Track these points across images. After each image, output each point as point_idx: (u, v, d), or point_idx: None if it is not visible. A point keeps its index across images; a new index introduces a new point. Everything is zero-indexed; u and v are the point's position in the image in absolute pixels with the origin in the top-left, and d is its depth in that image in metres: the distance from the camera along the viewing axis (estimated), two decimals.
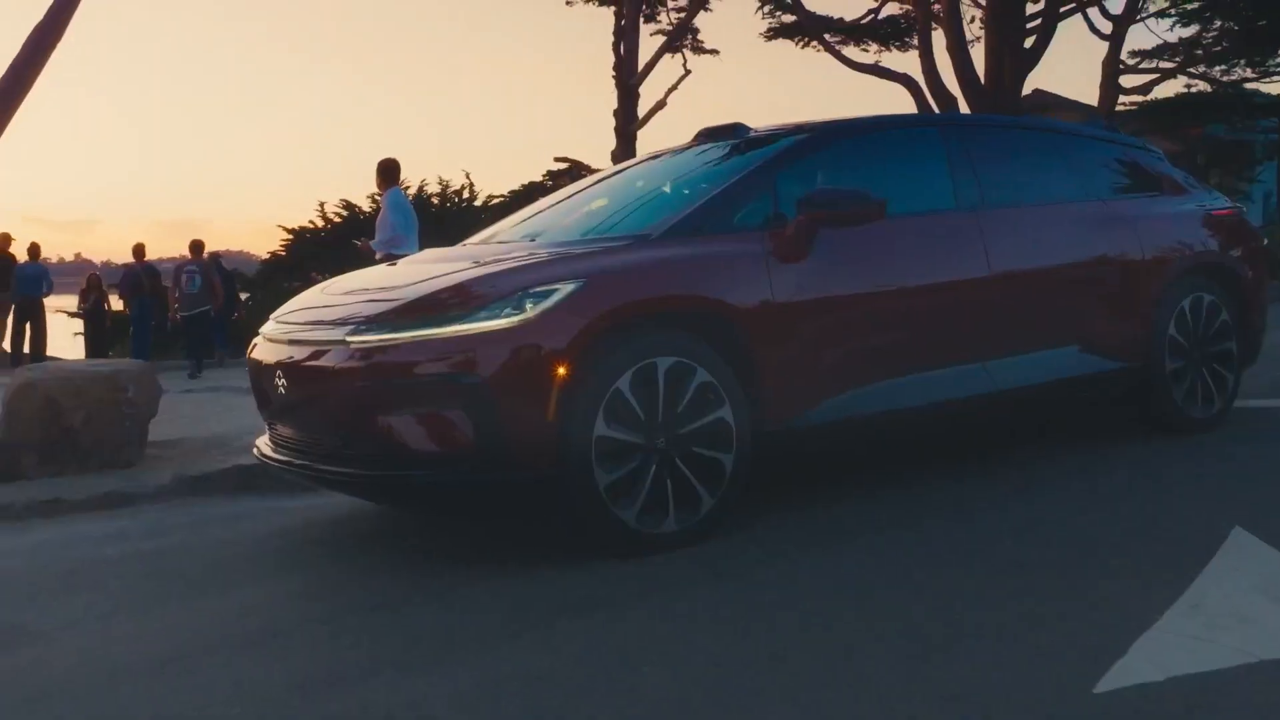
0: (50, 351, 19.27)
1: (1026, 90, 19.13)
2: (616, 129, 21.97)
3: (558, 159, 29.28)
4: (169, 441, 7.04)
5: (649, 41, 23.32)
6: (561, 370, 3.85)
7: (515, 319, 3.86)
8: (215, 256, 19.83)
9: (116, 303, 19.93)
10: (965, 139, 5.31)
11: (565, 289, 3.94)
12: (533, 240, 4.83)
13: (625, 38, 21.75)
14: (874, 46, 22.71)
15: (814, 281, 4.52)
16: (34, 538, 5.12)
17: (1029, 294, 5.24)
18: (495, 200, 34.06)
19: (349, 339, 4.01)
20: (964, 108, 17.78)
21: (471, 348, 3.84)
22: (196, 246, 17.29)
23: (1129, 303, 5.54)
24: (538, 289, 3.93)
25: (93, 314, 20.16)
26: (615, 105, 21.98)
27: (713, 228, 4.42)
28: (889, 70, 19.16)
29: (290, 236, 75.87)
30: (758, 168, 4.69)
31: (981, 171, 5.23)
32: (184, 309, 16.00)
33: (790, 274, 4.44)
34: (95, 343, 20.17)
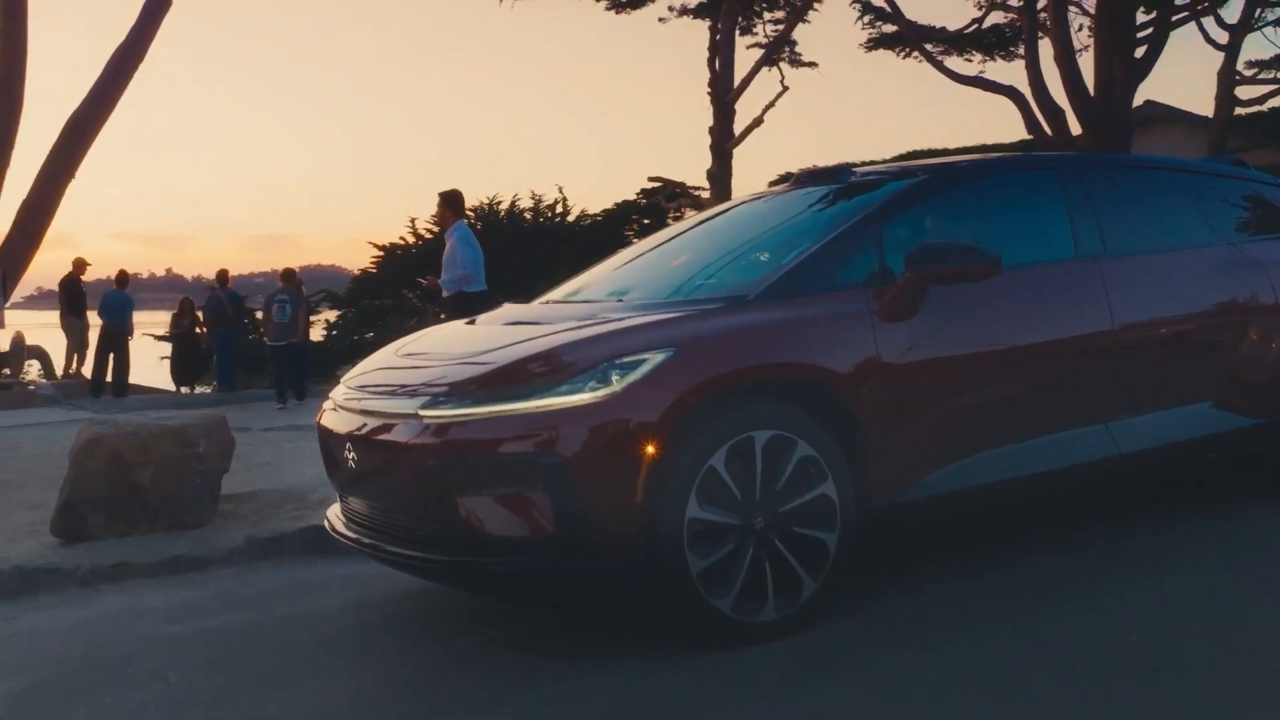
0: (134, 378, 19.50)
1: (1137, 101, 18.46)
2: (712, 146, 21.62)
3: (651, 179, 28.96)
4: (243, 495, 6.85)
5: (745, 55, 22.95)
6: (650, 448, 3.53)
7: (600, 393, 3.55)
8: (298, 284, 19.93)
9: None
10: (1084, 181, 4.90)
11: (654, 359, 3.62)
12: (619, 300, 4.51)
13: (721, 53, 21.41)
14: (977, 56, 22.12)
15: (923, 342, 4.15)
16: (98, 609, 4.92)
17: (1155, 347, 4.82)
18: (589, 218, 34.02)
19: (422, 413, 3.73)
20: (1072, 120, 17.20)
21: (553, 425, 3.53)
22: (288, 275, 17.40)
23: (1265, 354, 5.07)
24: (624, 359, 3.62)
25: (183, 339, 20.34)
26: (711, 122, 21.63)
27: (813, 287, 4.07)
28: (993, 82, 18.61)
29: (381, 253, 76.49)
30: (862, 219, 4.33)
31: (1103, 216, 4.82)
32: (274, 338, 16.02)
33: (897, 334, 4.08)
34: (184, 370, 20.35)
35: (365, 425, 4.00)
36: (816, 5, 21.85)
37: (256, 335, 24.25)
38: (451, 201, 9.96)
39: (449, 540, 3.69)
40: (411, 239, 76.10)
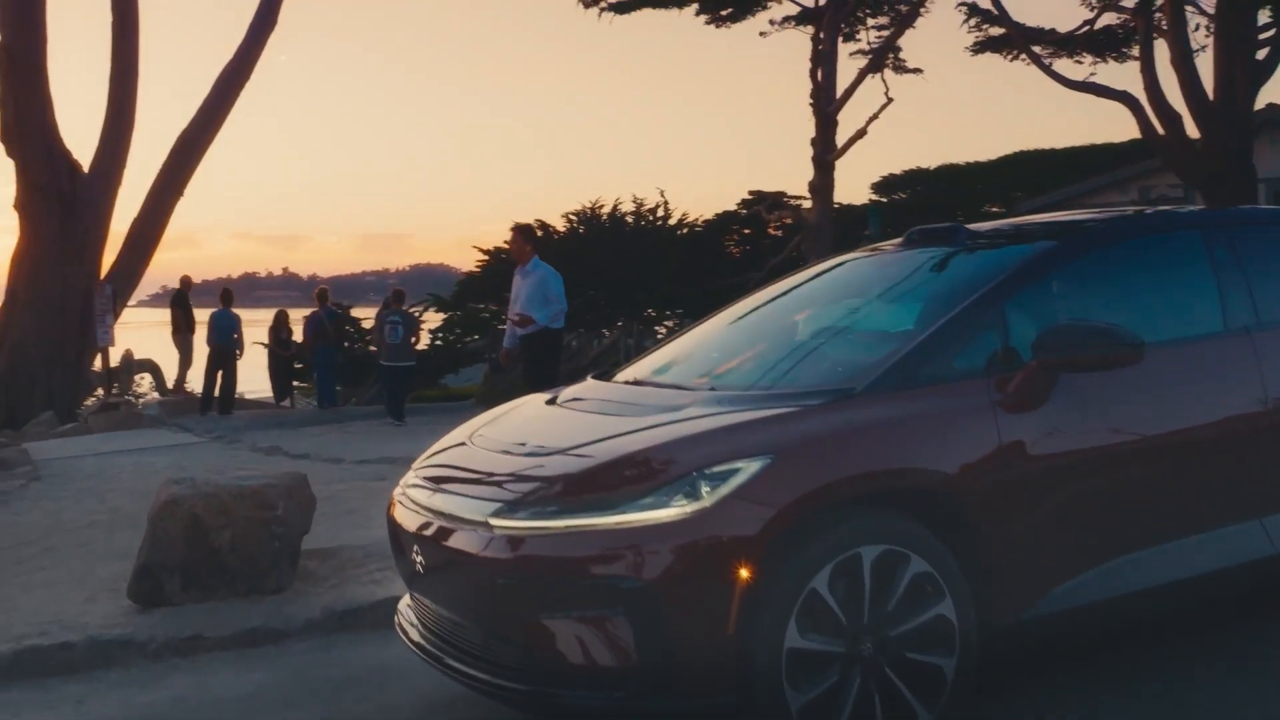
0: (251, 385, 19.68)
1: (1258, 105, 17.45)
2: (814, 158, 21.09)
3: (751, 193, 28.43)
4: (325, 551, 6.63)
5: (847, 64, 22.34)
6: (744, 571, 3.15)
7: (688, 509, 3.18)
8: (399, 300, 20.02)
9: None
10: (1234, 242, 4.36)
11: (750, 468, 3.23)
12: (711, 385, 4.09)
13: (823, 64, 20.85)
14: (1089, 58, 21.16)
15: (1053, 436, 3.68)
16: (166, 691, 4.72)
17: None
18: (691, 223, 33.62)
19: (492, 521, 3.39)
20: (1190, 126, 16.34)
21: (635, 543, 3.17)
22: (398, 296, 17.69)
23: None
24: (715, 468, 3.24)
25: (278, 353, 20.51)
26: (813, 134, 21.11)
27: (928, 376, 3.64)
28: (1106, 88, 17.71)
29: (485, 257, 77.05)
30: (983, 295, 3.86)
31: (1255, 282, 4.28)
32: (386, 359, 16.23)
33: (1023, 428, 3.62)
34: (280, 383, 20.52)
35: (431, 525, 3.69)
36: (924, 10, 21.09)
37: (360, 344, 24.47)
38: (531, 235, 9.75)
39: (519, 665, 3.35)
40: None
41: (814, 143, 21.46)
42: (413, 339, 17.34)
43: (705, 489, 3.20)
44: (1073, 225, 4.56)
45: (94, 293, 17.60)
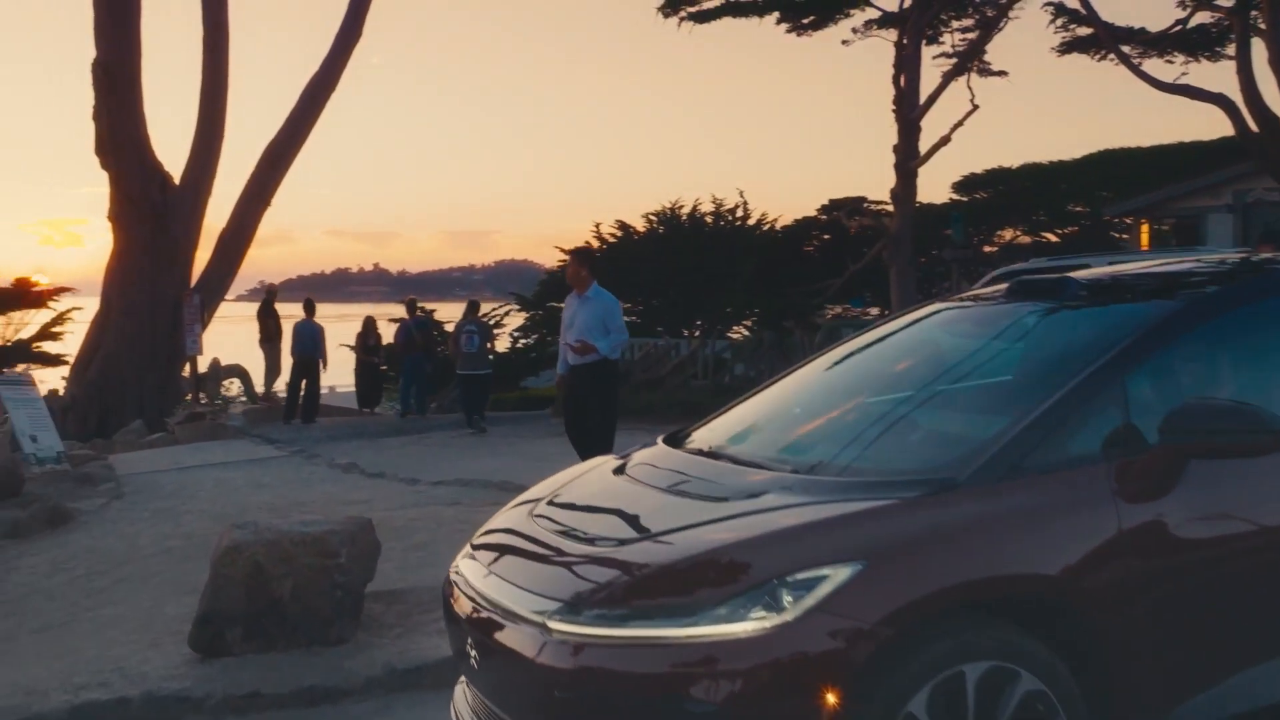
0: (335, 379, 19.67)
1: None
2: (896, 165, 20.52)
3: (832, 200, 27.90)
4: (392, 593, 6.42)
5: (930, 66, 21.72)
6: (831, 696, 2.79)
7: (768, 623, 2.83)
8: (476, 311, 20.03)
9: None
10: None
11: (838, 576, 2.88)
12: (792, 466, 3.71)
13: (905, 69, 20.28)
14: (1180, 58, 20.27)
15: (1182, 530, 3.26)
16: None
17: None
18: (768, 224, 33.11)
19: (551, 624, 3.07)
20: None
21: (708, 661, 2.83)
22: (473, 306, 17.87)
23: None
24: (799, 575, 2.88)
25: (366, 362, 20.57)
26: (895, 140, 20.55)
27: (1039, 463, 3.23)
28: (1200, 90, 16.95)
29: (566, 257, 76.76)
30: (1101, 366, 3.43)
31: None
32: (462, 368, 16.62)
33: (1148, 522, 3.21)
34: (366, 392, 20.58)
35: (485, 614, 3.38)
36: (1014, 13, 20.40)
37: (443, 348, 24.49)
38: (589, 259, 9.32)
39: None
40: (596, 243, 76.36)
41: (896, 149, 20.89)
42: (488, 347, 17.63)
43: (787, 599, 2.85)
44: (1201, 279, 4.10)
45: (183, 303, 17.81)
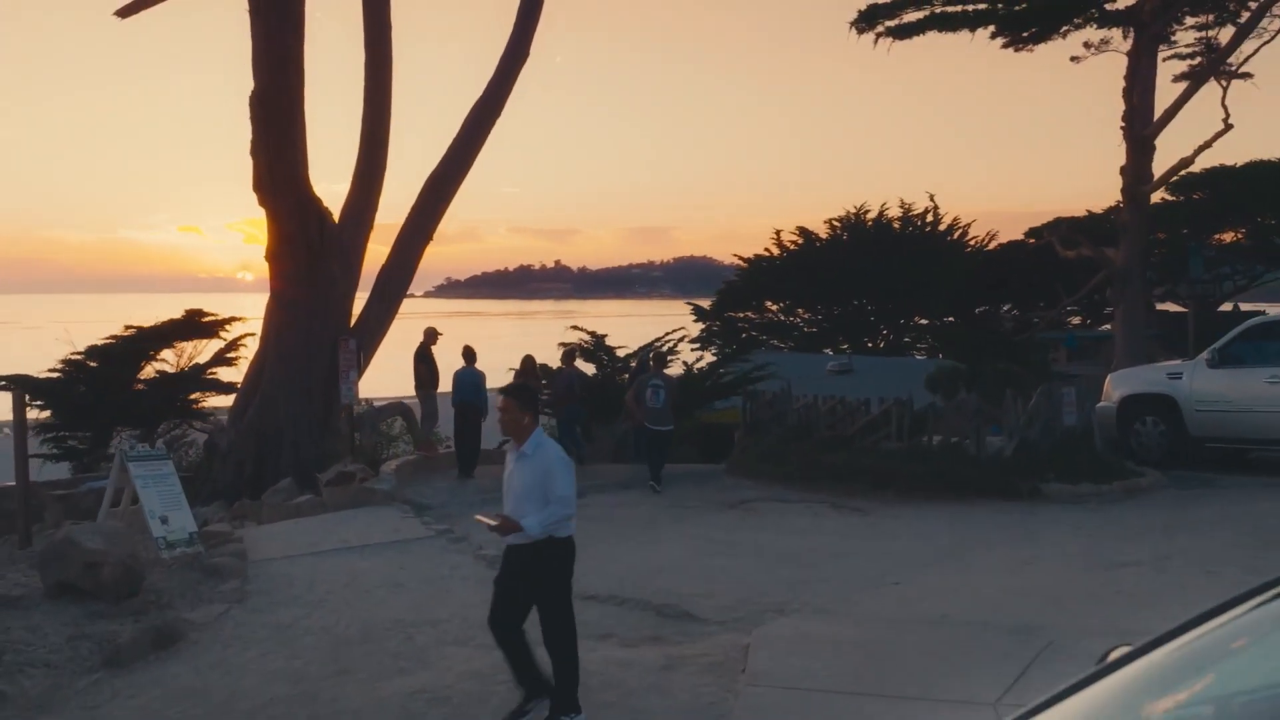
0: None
1: None
2: (1124, 190, 18.03)
3: (1047, 224, 25.41)
4: None
5: (1166, 68, 19.07)
6: None
7: None
8: (644, 359, 18.73)
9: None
10: None
11: None
12: None
13: (1139, 81, 17.77)
14: None
15: None
16: None
17: None
18: (970, 239, 30.62)
19: None
20: None
21: None
22: (659, 358, 16.76)
23: None
24: None
25: None
26: (1124, 161, 18.05)
27: None
28: None
29: (745, 265, 75.25)
30: None
31: None
32: (651, 422, 15.80)
33: None
34: None
35: None
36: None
37: (616, 372, 23.27)
38: (531, 402, 6.83)
39: None
40: (776, 250, 73.70)
41: (1124, 171, 18.37)
42: (676, 404, 16.52)
43: None
44: None
45: (338, 348, 16.93)
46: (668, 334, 32.17)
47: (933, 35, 19.95)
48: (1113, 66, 17.67)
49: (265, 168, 16.55)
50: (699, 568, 11.01)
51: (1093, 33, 18.69)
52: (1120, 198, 18.01)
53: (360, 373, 17.70)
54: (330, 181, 18.76)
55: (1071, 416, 15.02)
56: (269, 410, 17.42)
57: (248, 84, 16.70)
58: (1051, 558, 10.88)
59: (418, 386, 17.66)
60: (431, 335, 17.75)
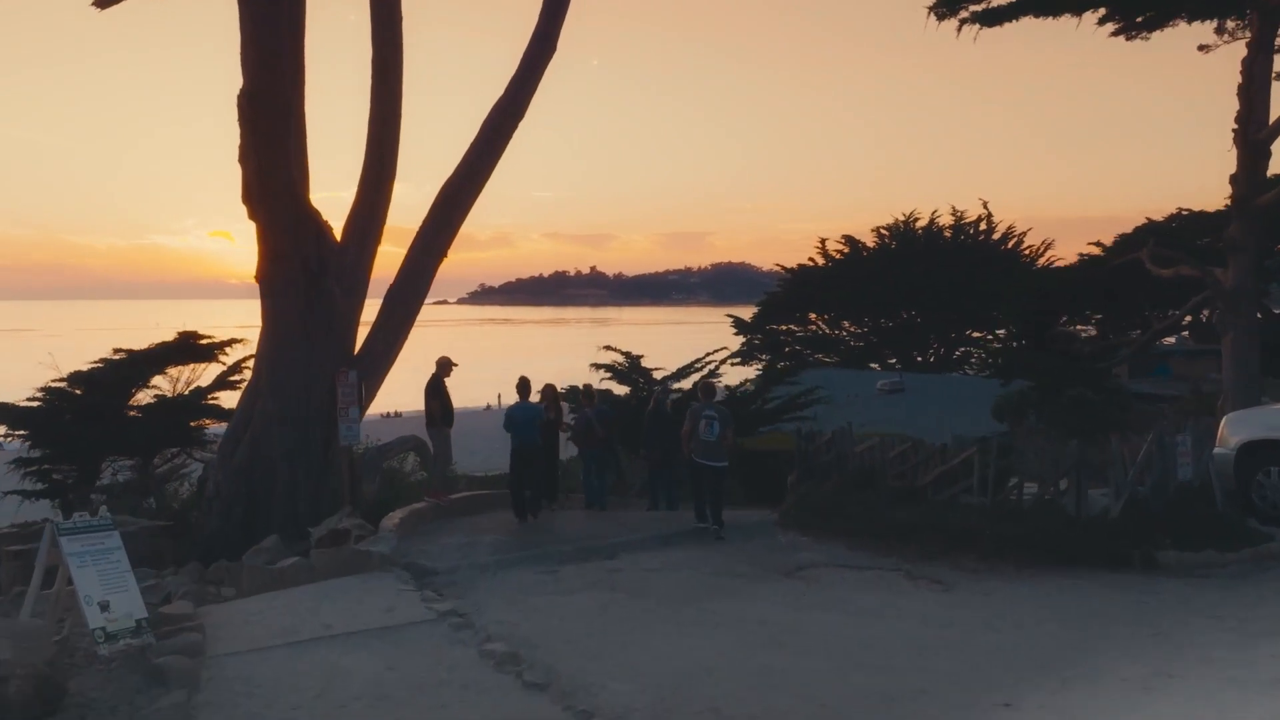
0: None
1: None
2: (1235, 199, 15.74)
3: (1137, 230, 22.98)
4: None
5: None
6: None
7: None
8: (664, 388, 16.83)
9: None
10: None
11: None
12: None
13: (1256, 77, 15.49)
14: None
15: None
16: None
17: None
18: (1029, 251, 28.30)
19: None
20: None
21: None
22: (707, 389, 15.09)
23: None
24: None
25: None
26: (1234, 169, 15.76)
27: None
28: None
29: (788, 274, 72.60)
30: None
31: None
32: (701, 456, 14.47)
33: None
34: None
35: None
36: None
37: (659, 390, 21.30)
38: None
39: None
40: (821, 260, 71.16)
41: (1234, 180, 16.08)
42: (732, 438, 15.09)
43: None
44: None
45: (336, 381, 14.95)
46: (708, 354, 30.09)
47: (1002, 26, 17.83)
48: (1185, 62, 15.55)
49: (254, 175, 14.62)
50: (755, 669, 8.88)
51: (1201, 27, 16.41)
52: (1231, 209, 15.73)
53: (364, 408, 15.72)
54: (333, 189, 16.89)
55: (1187, 470, 12.76)
56: (261, 450, 15.48)
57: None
58: (1192, 662, 8.69)
59: (429, 423, 15.68)
60: (445, 366, 15.74)
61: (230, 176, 15.95)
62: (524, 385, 15.68)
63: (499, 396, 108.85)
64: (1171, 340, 32.56)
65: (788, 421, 29.96)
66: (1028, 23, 16.53)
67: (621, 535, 14.42)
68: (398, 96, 16.65)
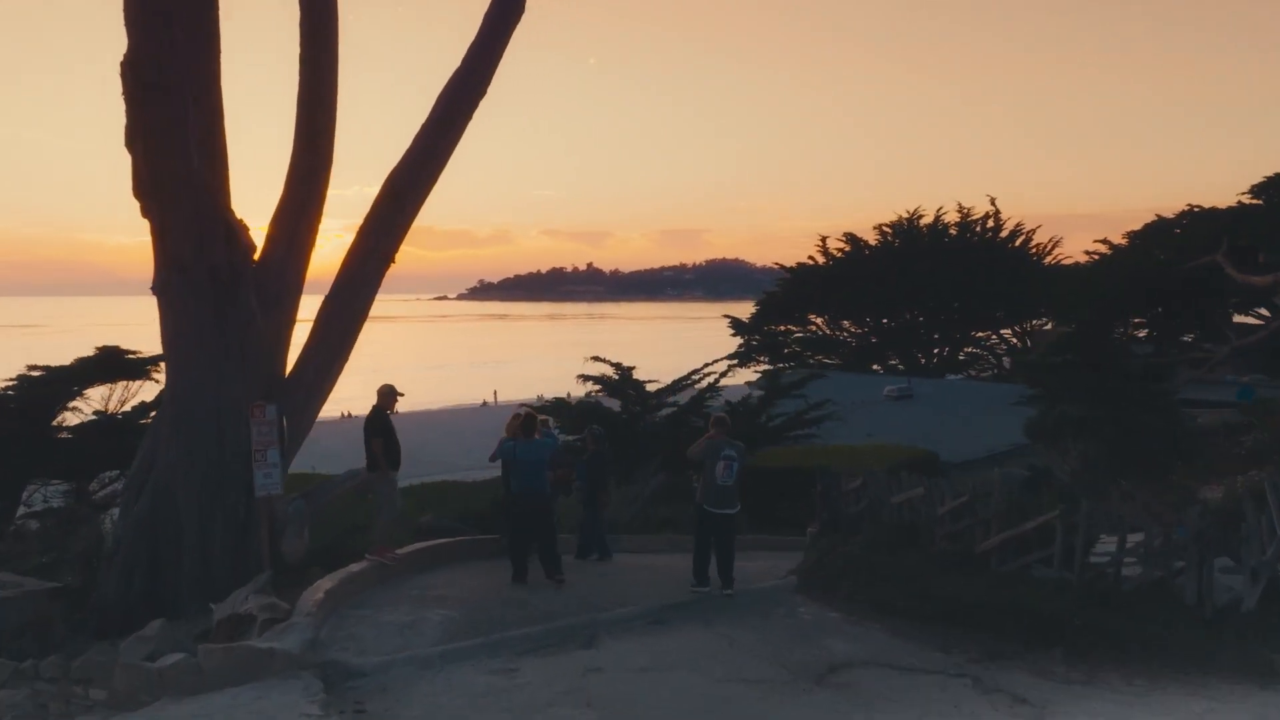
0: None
1: None
2: None
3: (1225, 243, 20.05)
4: None
5: None
6: None
7: None
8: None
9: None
10: None
11: None
12: None
13: None
14: None
15: None
16: None
17: None
18: (1036, 249, 25.45)
19: None
20: None
21: None
22: (720, 422, 12.77)
23: None
24: None
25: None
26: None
27: None
28: None
29: (787, 273, 69.25)
30: None
31: None
32: (713, 504, 12.32)
33: None
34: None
35: None
36: None
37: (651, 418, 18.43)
38: None
39: None
40: (822, 259, 67.94)
41: None
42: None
43: None
44: None
45: (250, 417, 12.08)
46: (707, 365, 27.25)
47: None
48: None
49: (144, 163, 11.75)
50: None
51: None
52: None
53: (290, 450, 12.87)
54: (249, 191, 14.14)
55: None
56: (165, 501, 12.60)
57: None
58: None
59: (370, 466, 12.82)
60: (388, 397, 12.88)
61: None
62: (529, 422, 13.01)
63: (494, 393, 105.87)
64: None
65: (796, 439, 27.20)
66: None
67: (604, 606, 11.64)
68: (332, 66, 13.75)
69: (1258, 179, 24.56)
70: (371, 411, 12.78)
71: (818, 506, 13.44)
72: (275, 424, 12.07)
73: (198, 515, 12.47)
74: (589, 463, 15.00)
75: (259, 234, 13.39)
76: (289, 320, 13.60)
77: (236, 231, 12.70)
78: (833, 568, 11.92)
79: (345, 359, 13.84)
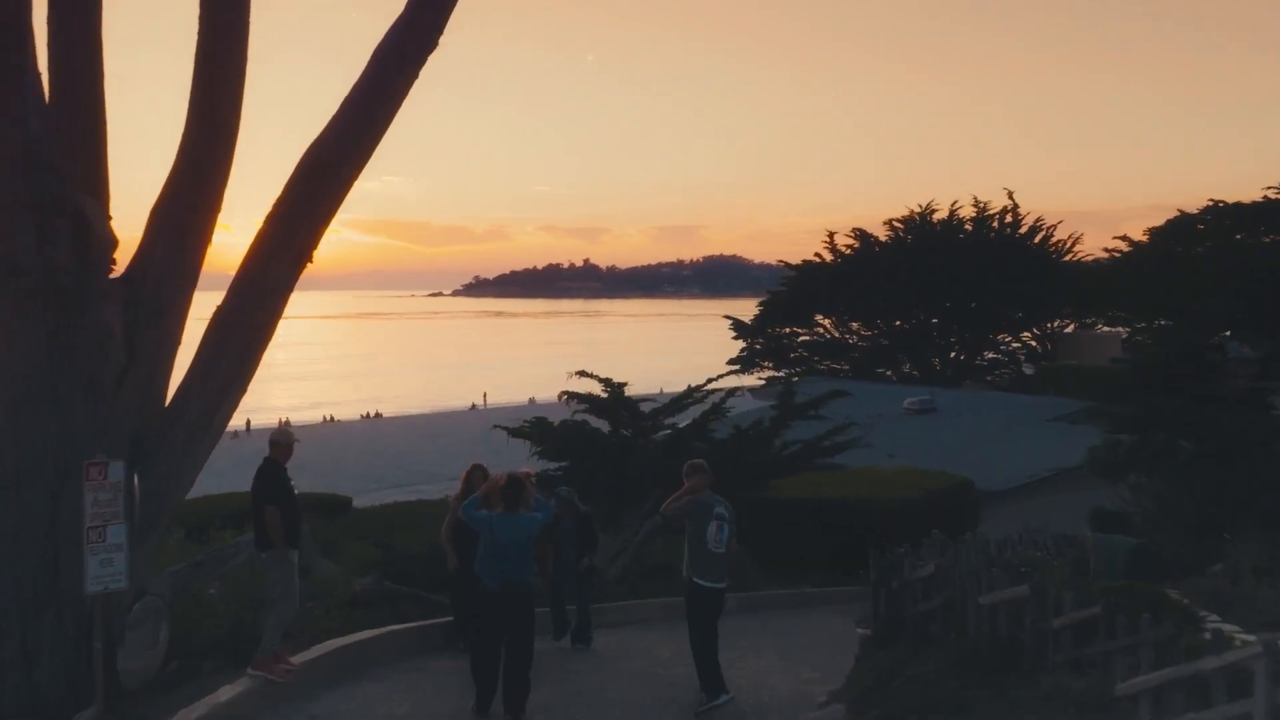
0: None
1: None
2: None
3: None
4: None
5: None
6: None
7: None
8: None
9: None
10: None
11: None
12: None
13: None
14: None
15: None
16: None
17: None
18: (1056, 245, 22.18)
19: None
20: None
21: None
22: (699, 470, 9.17)
23: None
24: None
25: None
26: None
27: None
28: None
29: (792, 272, 65.09)
30: None
31: None
32: (704, 576, 9.45)
33: None
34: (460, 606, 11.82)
35: None
36: None
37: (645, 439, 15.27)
38: None
39: None
40: (829, 256, 63.74)
41: None
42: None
43: None
44: None
45: (84, 479, 8.67)
46: (710, 380, 23.83)
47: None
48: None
49: None
50: None
51: None
52: None
53: (153, 520, 9.47)
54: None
55: None
56: None
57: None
58: None
59: (258, 543, 9.45)
60: (284, 446, 9.51)
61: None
62: (512, 489, 9.41)
63: (484, 395, 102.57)
64: None
65: (816, 469, 23.87)
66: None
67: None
68: (240, 23, 10.32)
69: (1260, 174, 21.62)
70: (263, 466, 9.39)
71: (871, 598, 10.07)
72: (120, 488, 8.67)
73: (20, 615, 9.10)
74: (572, 531, 11.84)
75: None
76: (173, 341, 10.17)
77: (86, 222, 9.29)
78: (899, 698, 8.55)
79: (243, 389, 10.38)
